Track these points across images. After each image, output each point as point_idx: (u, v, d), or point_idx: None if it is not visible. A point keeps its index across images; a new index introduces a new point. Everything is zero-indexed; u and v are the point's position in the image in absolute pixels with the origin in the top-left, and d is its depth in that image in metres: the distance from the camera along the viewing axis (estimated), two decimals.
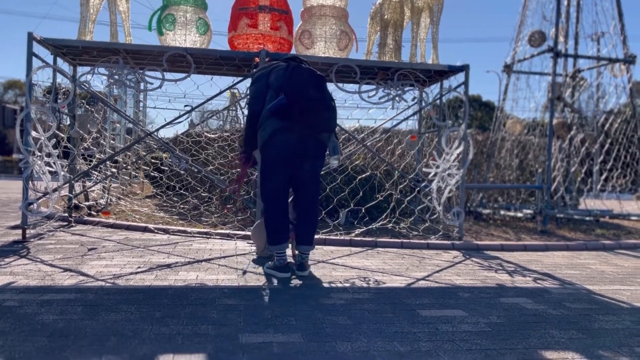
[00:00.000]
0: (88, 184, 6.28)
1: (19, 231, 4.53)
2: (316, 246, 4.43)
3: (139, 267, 3.34)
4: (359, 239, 4.80)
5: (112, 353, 1.83)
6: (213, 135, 6.68)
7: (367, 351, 1.95)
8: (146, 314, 2.31)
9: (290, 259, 3.51)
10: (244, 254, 4.01)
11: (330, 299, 2.74)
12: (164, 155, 8.10)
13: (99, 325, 2.14)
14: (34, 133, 4.18)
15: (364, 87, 4.96)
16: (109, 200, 6.65)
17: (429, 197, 5.31)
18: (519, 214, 7.74)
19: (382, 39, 5.14)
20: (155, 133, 5.38)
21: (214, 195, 6.67)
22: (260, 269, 3.45)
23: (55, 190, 4.39)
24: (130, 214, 5.99)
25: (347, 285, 3.10)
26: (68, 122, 5.53)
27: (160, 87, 4.52)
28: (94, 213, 5.96)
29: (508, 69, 8.83)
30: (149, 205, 7.03)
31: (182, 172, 6.34)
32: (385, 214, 5.64)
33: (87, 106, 6.33)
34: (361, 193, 5.85)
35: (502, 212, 7.91)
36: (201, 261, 3.65)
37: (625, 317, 2.62)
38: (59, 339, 1.96)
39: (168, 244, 4.33)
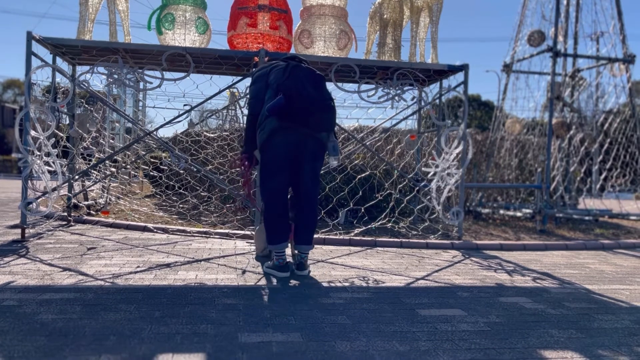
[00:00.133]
0: (87, 183, 6.28)
1: (18, 230, 4.53)
2: (315, 246, 4.43)
3: (138, 267, 3.34)
4: (358, 238, 4.80)
5: (111, 352, 1.83)
6: (212, 135, 6.68)
7: (366, 350, 1.95)
8: (145, 314, 2.31)
9: (289, 259, 3.51)
10: (243, 254, 4.01)
11: (329, 298, 2.74)
12: (163, 154, 8.09)
13: (98, 324, 2.14)
14: (33, 132, 4.17)
15: (364, 87, 4.96)
16: (108, 200, 6.65)
17: (428, 197, 5.31)
18: (518, 214, 7.74)
19: (382, 38, 5.14)
20: (155, 132, 5.38)
21: (214, 194, 6.67)
22: (259, 269, 3.46)
23: (54, 189, 4.38)
24: (130, 213, 5.99)
25: (346, 284, 3.10)
26: (67, 122, 5.53)
27: (159, 86, 4.52)
28: (93, 212, 5.96)
29: (507, 68, 8.83)
30: (148, 204, 7.03)
31: (181, 171, 6.34)
32: (384, 214, 5.64)
33: (87, 105, 6.33)
34: (360, 192, 5.86)
35: (501, 211, 7.92)
36: (200, 261, 3.65)
37: (625, 316, 2.62)
38: (58, 338, 1.96)
39: (167, 244, 4.33)
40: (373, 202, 5.73)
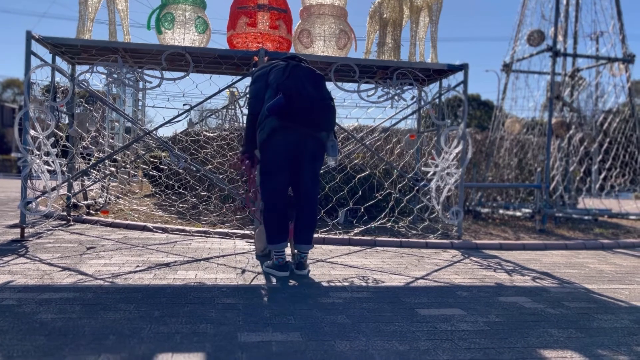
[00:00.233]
0: (87, 182, 6.27)
1: (18, 230, 4.53)
2: (315, 245, 4.43)
3: (137, 266, 3.34)
4: (357, 238, 4.80)
5: (111, 352, 1.83)
6: (212, 134, 6.67)
7: (366, 350, 1.95)
8: (145, 313, 2.31)
9: (289, 258, 3.51)
10: (243, 253, 4.01)
11: (329, 297, 2.74)
12: (163, 154, 8.09)
13: (97, 324, 2.13)
14: (32, 132, 4.17)
15: (363, 86, 4.95)
16: (107, 199, 6.64)
17: (428, 196, 5.31)
18: (518, 213, 7.75)
19: (381, 38, 5.14)
20: (154, 132, 5.38)
21: (213, 194, 6.66)
22: (259, 268, 3.45)
23: (53, 189, 4.38)
24: (129, 212, 5.98)
25: (346, 284, 3.10)
26: (67, 121, 5.52)
27: (159, 85, 4.51)
28: (93, 212, 5.96)
29: (507, 68, 8.83)
30: (147, 204, 7.03)
31: (181, 171, 6.33)
32: (384, 213, 5.64)
33: (86, 105, 6.32)
34: (360, 192, 5.86)
35: (500, 211, 7.92)
36: (200, 260, 3.65)
37: (624, 316, 2.63)
38: (58, 337, 1.95)
39: (167, 243, 4.33)
40: (373, 201, 5.73)
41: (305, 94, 3.14)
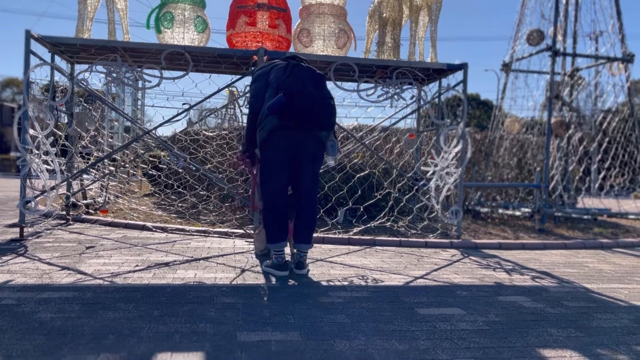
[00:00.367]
0: (86, 182, 6.27)
1: (17, 229, 4.53)
2: (314, 245, 4.43)
3: (137, 266, 3.34)
4: (357, 237, 4.80)
5: (110, 351, 1.83)
6: (211, 134, 6.67)
7: (366, 349, 1.95)
8: (144, 313, 2.31)
9: (288, 258, 3.51)
10: (242, 252, 4.01)
11: (328, 297, 2.74)
12: (162, 153, 8.08)
13: (96, 323, 2.13)
14: (31, 131, 4.16)
15: (363, 86, 4.95)
16: (107, 199, 6.64)
17: (428, 196, 5.31)
18: (517, 213, 7.75)
19: (381, 37, 5.14)
20: (154, 131, 5.37)
21: (213, 193, 6.66)
22: (258, 268, 3.45)
23: (53, 188, 4.37)
24: (129, 212, 5.98)
25: (345, 283, 3.10)
26: (66, 120, 5.52)
27: (158, 85, 4.51)
28: (92, 211, 5.95)
29: (506, 67, 8.83)
30: (147, 203, 7.02)
31: (180, 170, 6.33)
32: (383, 213, 5.64)
33: (85, 104, 6.32)
34: (359, 191, 5.85)
35: (500, 210, 7.92)
36: (199, 259, 3.65)
37: (623, 315, 2.63)
38: (57, 337, 1.95)
39: (166, 243, 4.32)
40: (372, 201, 5.72)
41: (306, 93, 3.14)
